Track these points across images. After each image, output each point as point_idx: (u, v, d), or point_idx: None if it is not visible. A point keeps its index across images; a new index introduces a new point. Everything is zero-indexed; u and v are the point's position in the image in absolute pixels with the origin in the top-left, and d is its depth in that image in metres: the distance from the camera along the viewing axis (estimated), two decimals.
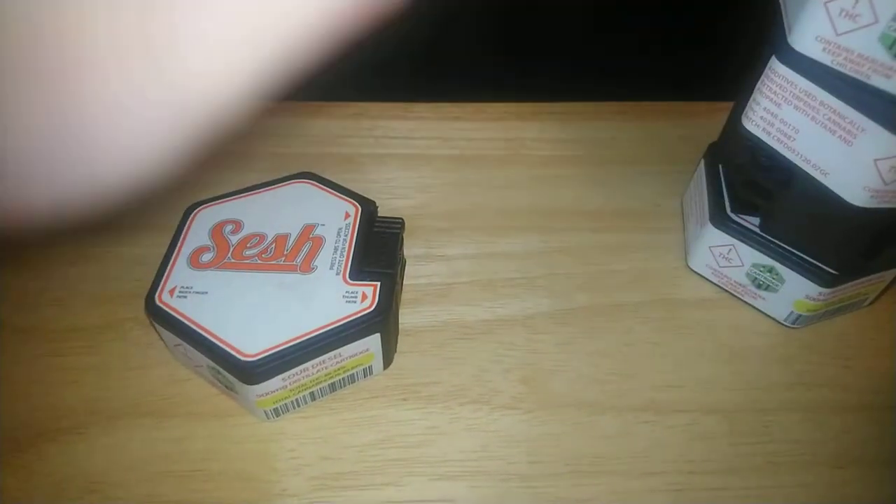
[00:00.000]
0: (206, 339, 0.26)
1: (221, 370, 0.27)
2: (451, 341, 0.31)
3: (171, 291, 0.28)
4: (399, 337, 0.31)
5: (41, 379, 0.29)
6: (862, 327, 0.32)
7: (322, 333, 0.26)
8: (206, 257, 0.29)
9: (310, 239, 0.30)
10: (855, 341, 0.32)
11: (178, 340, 0.27)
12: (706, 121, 0.35)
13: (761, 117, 0.28)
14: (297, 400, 0.28)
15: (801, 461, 0.28)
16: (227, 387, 0.28)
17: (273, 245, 0.29)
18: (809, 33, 0.25)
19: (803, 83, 0.25)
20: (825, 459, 0.28)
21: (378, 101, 0.41)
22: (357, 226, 0.30)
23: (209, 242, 0.29)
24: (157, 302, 0.27)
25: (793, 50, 0.25)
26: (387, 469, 0.27)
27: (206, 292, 0.28)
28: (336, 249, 0.29)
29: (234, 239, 0.30)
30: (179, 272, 0.28)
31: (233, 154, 0.38)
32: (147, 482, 0.26)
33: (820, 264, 0.30)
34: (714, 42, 0.41)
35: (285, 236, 0.30)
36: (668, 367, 0.31)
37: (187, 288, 0.28)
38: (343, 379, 0.29)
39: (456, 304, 0.32)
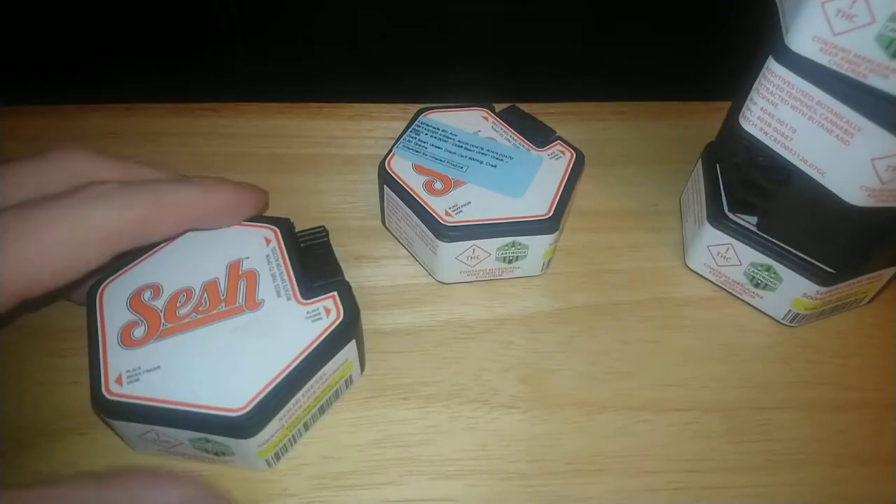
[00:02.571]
0: (183, 412, 0.24)
1: (210, 437, 0.24)
2: (450, 341, 0.31)
3: (118, 379, 0.24)
4: (399, 337, 0.31)
5: (43, 379, 0.29)
6: (860, 326, 0.33)
7: (303, 360, 0.25)
8: (139, 332, 0.26)
9: (241, 276, 0.28)
10: (853, 340, 0.32)
11: (148, 427, 0.25)
12: (704, 120, 0.36)
13: (759, 117, 0.28)
14: (293, 436, 0.27)
15: (800, 459, 0.28)
16: (218, 454, 0.25)
17: (205, 295, 0.27)
18: (806, 33, 0.25)
19: (800, 83, 0.26)
20: (824, 458, 0.28)
21: (378, 102, 0.41)
22: (283, 247, 0.29)
23: (133, 317, 0.26)
24: (109, 396, 0.24)
25: (790, 50, 0.25)
26: (386, 468, 0.27)
27: (158, 366, 0.25)
28: (274, 277, 0.28)
29: (160, 304, 0.27)
30: (116, 357, 0.25)
31: (232, 155, 0.38)
32: None
33: (818, 263, 0.30)
34: (712, 42, 0.41)
35: (214, 282, 0.27)
36: (667, 365, 0.31)
37: (135, 370, 0.25)
38: (329, 397, 0.28)
39: (455, 303, 0.32)
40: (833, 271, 0.29)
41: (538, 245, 0.31)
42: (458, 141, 0.34)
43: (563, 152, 0.33)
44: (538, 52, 0.42)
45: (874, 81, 0.24)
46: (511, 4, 0.40)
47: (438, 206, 0.31)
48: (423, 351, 0.31)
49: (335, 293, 0.27)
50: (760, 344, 0.32)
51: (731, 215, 0.31)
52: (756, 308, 0.33)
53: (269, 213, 0.30)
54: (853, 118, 0.25)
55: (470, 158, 0.33)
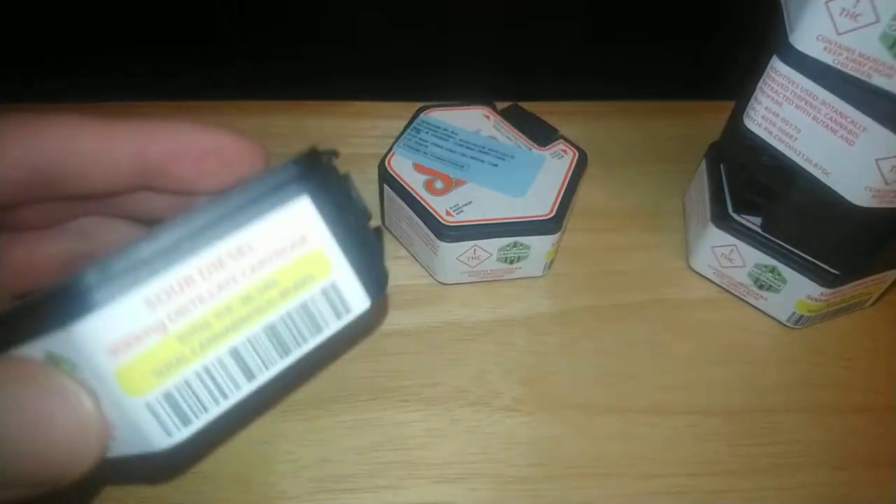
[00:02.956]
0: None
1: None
2: (451, 342, 0.31)
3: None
4: (399, 338, 0.31)
5: None
6: (864, 328, 0.32)
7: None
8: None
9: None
10: (857, 342, 0.32)
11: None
12: (707, 120, 0.35)
13: (763, 117, 0.28)
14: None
15: (803, 462, 0.28)
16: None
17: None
18: (811, 33, 0.24)
19: (805, 83, 0.25)
20: (828, 460, 0.28)
21: (378, 100, 0.41)
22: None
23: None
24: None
25: (794, 49, 0.25)
26: (386, 471, 0.27)
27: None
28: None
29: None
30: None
31: None
32: (146, 483, 0.26)
33: (822, 264, 0.29)
34: (715, 41, 0.41)
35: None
36: (670, 368, 0.30)
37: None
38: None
39: (456, 304, 0.32)
40: (837, 273, 0.29)
41: (540, 245, 0.31)
42: (459, 140, 0.33)
43: (565, 151, 0.33)
44: (539, 51, 0.41)
45: (878, 81, 0.24)
46: (512, 3, 0.40)
47: (439, 205, 0.30)
48: (424, 353, 0.30)
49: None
50: (764, 346, 0.32)
51: (735, 216, 0.31)
52: (760, 310, 0.32)
53: None
54: (858, 118, 0.24)
55: (471, 158, 0.33)
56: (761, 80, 0.27)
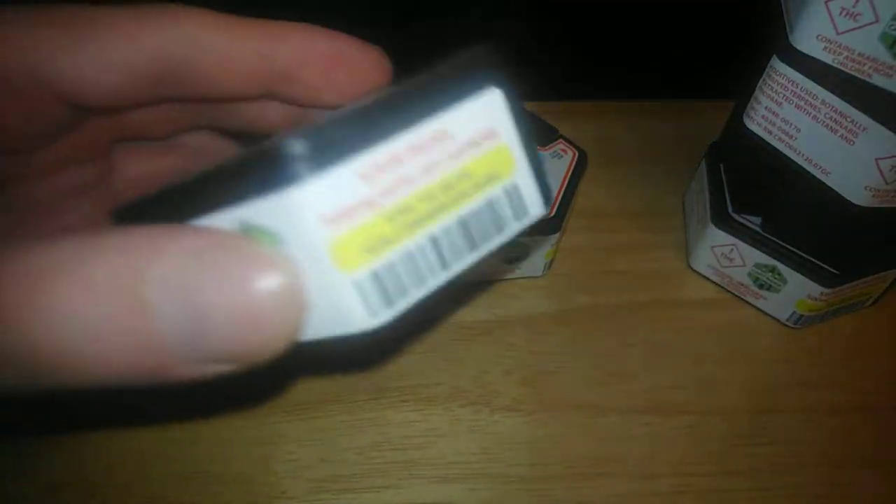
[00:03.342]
0: None
1: None
2: (451, 342, 0.31)
3: None
4: (399, 338, 0.31)
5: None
6: (864, 328, 0.32)
7: None
8: None
9: None
10: (857, 342, 0.32)
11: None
12: (707, 120, 0.35)
13: (763, 116, 0.28)
14: None
15: (804, 462, 0.28)
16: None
17: None
18: (810, 32, 0.24)
19: (804, 82, 0.25)
20: (827, 460, 0.28)
21: None
22: None
23: None
24: None
25: (794, 49, 0.25)
26: (386, 471, 0.27)
27: None
28: None
29: None
30: None
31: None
32: (147, 485, 0.26)
33: (822, 264, 0.29)
34: (715, 40, 0.40)
35: None
36: (670, 367, 0.30)
37: None
38: None
39: (456, 304, 0.32)
40: (837, 273, 0.29)
41: (540, 245, 0.31)
42: None
43: (564, 151, 0.33)
44: (540, 50, 0.41)
45: (878, 81, 0.24)
46: (512, 3, 0.40)
47: None
48: (424, 352, 0.30)
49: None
50: (764, 346, 0.32)
51: (735, 216, 0.31)
52: (760, 310, 0.32)
53: None
54: (858, 118, 0.24)
55: None
56: (761, 80, 0.27)
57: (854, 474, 0.28)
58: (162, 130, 0.23)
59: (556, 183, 0.31)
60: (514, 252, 0.31)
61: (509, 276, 0.32)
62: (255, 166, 0.14)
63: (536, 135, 0.33)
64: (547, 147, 0.33)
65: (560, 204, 0.31)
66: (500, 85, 0.16)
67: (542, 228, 0.30)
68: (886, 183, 0.25)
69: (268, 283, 0.13)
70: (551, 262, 0.33)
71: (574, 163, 0.33)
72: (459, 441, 0.28)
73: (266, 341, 0.14)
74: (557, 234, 0.31)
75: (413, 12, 0.40)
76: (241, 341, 0.14)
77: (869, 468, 0.28)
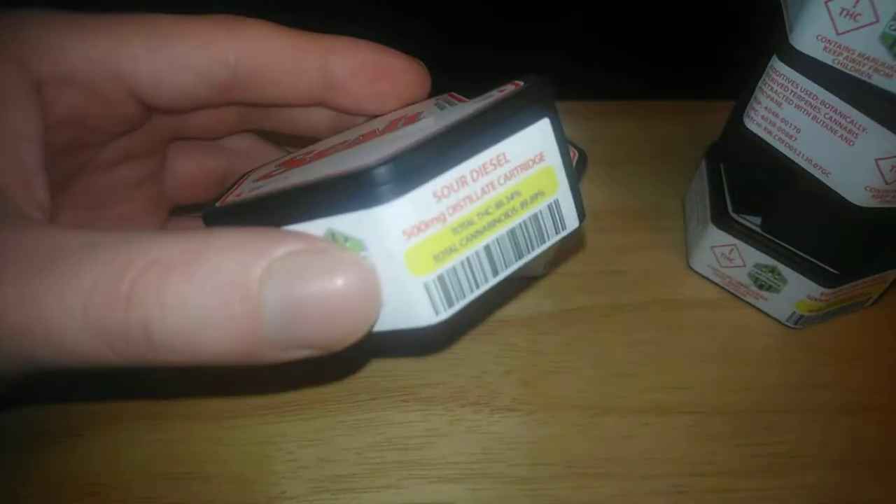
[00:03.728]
0: None
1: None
2: (451, 342, 0.31)
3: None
4: (399, 337, 0.31)
5: (41, 380, 0.29)
6: (864, 328, 0.32)
7: None
8: None
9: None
10: (858, 342, 0.32)
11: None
12: (707, 120, 0.35)
13: (762, 117, 0.28)
14: None
15: (804, 462, 0.28)
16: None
17: None
18: (810, 32, 0.24)
19: (804, 83, 0.25)
20: (828, 460, 0.28)
21: None
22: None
23: None
24: None
25: (794, 49, 0.25)
26: (386, 471, 0.27)
27: None
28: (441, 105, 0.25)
29: None
30: None
31: None
32: (146, 484, 0.26)
33: (822, 264, 0.29)
34: (715, 41, 0.41)
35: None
36: (670, 368, 0.30)
37: None
38: None
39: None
40: (837, 273, 0.29)
41: None
42: None
43: None
44: (540, 50, 0.41)
45: (878, 81, 0.24)
46: (513, 3, 0.40)
47: None
48: (424, 352, 0.30)
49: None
50: (764, 346, 0.32)
51: (735, 216, 0.31)
52: (760, 310, 0.32)
53: None
54: (858, 118, 0.24)
55: None
56: (761, 81, 0.27)
57: (855, 474, 0.28)
58: (216, 132, 0.25)
59: None
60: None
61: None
62: (346, 185, 0.16)
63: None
64: None
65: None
66: (549, 115, 0.19)
67: None
68: (886, 183, 0.25)
69: (354, 280, 0.16)
70: (551, 261, 0.33)
71: (574, 163, 0.32)
72: (459, 441, 0.28)
73: (348, 329, 0.16)
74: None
75: (421, 18, 0.40)
76: (329, 328, 0.16)
77: (870, 468, 0.28)
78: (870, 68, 0.23)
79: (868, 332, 0.32)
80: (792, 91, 0.26)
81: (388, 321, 0.18)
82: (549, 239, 0.20)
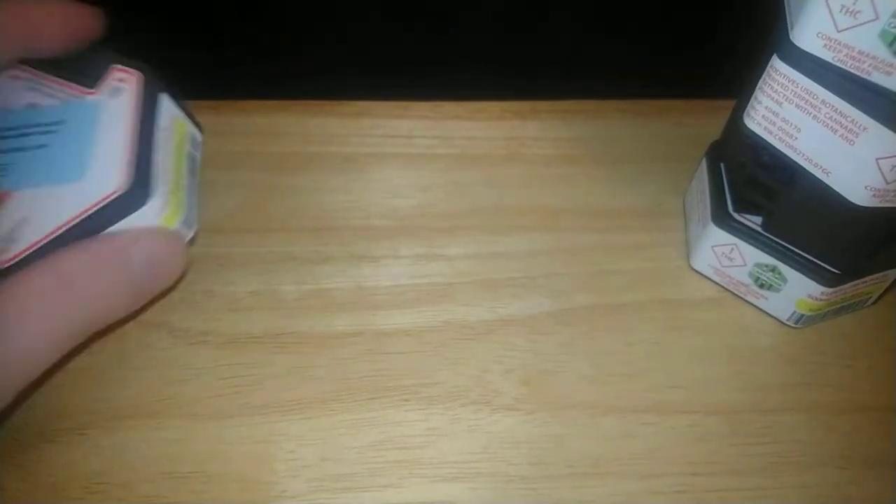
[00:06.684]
0: None
1: None
2: (451, 342, 0.31)
3: None
4: (400, 338, 0.31)
5: (41, 379, 0.29)
6: (865, 327, 0.32)
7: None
8: None
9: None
10: (858, 341, 0.32)
11: None
12: (708, 119, 0.35)
13: (763, 116, 0.28)
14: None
15: (804, 462, 0.28)
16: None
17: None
18: (810, 30, 0.24)
19: (804, 81, 0.25)
20: (828, 460, 0.28)
21: (379, 99, 0.41)
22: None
23: None
24: None
25: (794, 47, 0.25)
26: (387, 471, 0.27)
27: None
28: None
29: None
30: None
31: (230, 153, 0.38)
32: (147, 483, 0.26)
33: (822, 264, 0.29)
34: (716, 39, 0.40)
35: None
36: (671, 367, 0.30)
37: None
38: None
39: (457, 304, 0.32)
40: (838, 272, 0.29)
41: (145, 223, 0.23)
42: None
43: (122, 81, 0.24)
44: (540, 49, 0.41)
45: (878, 79, 0.24)
46: (513, 1, 0.40)
47: None
48: (425, 352, 0.30)
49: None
50: (765, 345, 0.32)
51: (735, 215, 0.31)
52: (761, 309, 0.32)
53: (270, 215, 0.30)
54: (858, 117, 0.24)
55: (12, 151, 0.23)
56: (761, 79, 0.27)
57: (855, 474, 0.28)
58: None
59: (122, 132, 0.23)
60: None
61: (510, 274, 0.32)
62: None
63: (87, 75, 0.25)
64: (100, 85, 0.25)
65: (139, 163, 0.23)
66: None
67: (128, 206, 0.23)
68: (887, 183, 0.25)
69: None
70: (187, 223, 0.26)
71: (141, 93, 0.24)
72: (460, 440, 0.28)
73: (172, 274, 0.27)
74: (157, 201, 0.23)
75: (422, 16, 0.40)
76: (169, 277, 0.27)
77: (870, 468, 0.28)
78: (869, 66, 0.23)
79: (868, 332, 0.32)
80: (792, 90, 0.26)
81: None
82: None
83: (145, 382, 0.29)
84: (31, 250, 0.22)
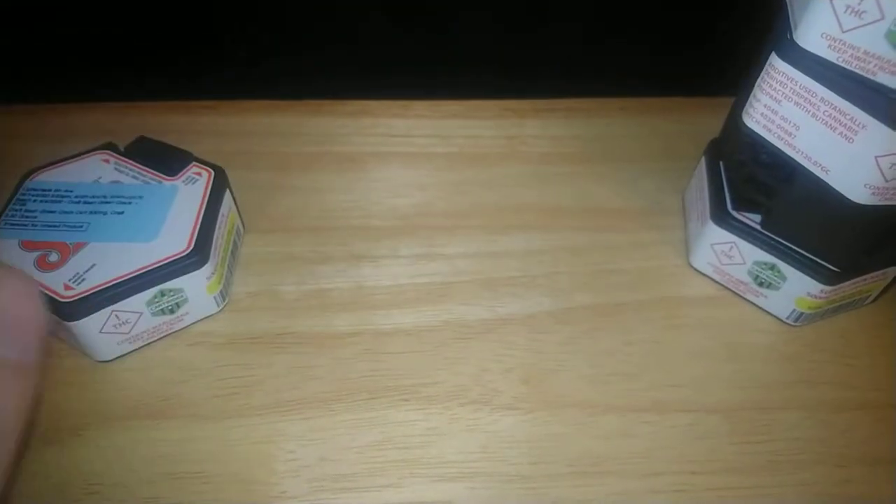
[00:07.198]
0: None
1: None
2: (451, 341, 0.31)
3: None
4: (400, 337, 0.31)
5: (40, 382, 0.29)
6: (864, 325, 0.32)
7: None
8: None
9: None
10: (857, 339, 0.32)
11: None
12: (707, 117, 0.35)
13: (762, 114, 0.27)
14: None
15: (804, 460, 0.28)
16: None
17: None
18: (815, 30, 0.24)
19: (804, 80, 0.25)
20: (827, 458, 0.28)
21: (379, 98, 0.41)
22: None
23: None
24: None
25: (795, 46, 0.25)
26: (386, 470, 0.27)
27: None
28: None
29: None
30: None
31: (230, 153, 0.38)
32: (147, 484, 0.26)
33: (821, 262, 0.29)
34: (715, 37, 0.40)
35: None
36: (670, 366, 0.30)
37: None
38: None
39: (456, 303, 0.32)
40: (837, 270, 0.29)
41: (195, 284, 0.29)
42: (76, 196, 0.30)
43: (199, 174, 0.31)
44: (540, 48, 0.41)
45: (883, 79, 0.23)
46: (513, 1, 0.40)
47: (54, 281, 0.27)
48: (424, 351, 0.30)
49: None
50: (764, 343, 0.32)
51: (734, 213, 0.31)
52: (760, 307, 0.32)
53: (270, 215, 0.30)
54: (857, 115, 0.24)
55: (91, 213, 0.29)
56: (760, 78, 0.27)
57: (854, 472, 0.28)
58: None
59: (193, 210, 0.29)
60: (168, 301, 0.29)
61: (180, 325, 0.30)
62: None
63: (168, 166, 0.31)
64: (179, 175, 0.31)
65: (199, 234, 0.29)
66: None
67: (185, 266, 0.28)
68: (886, 181, 0.25)
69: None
70: (225, 292, 0.31)
71: (210, 183, 0.31)
72: (460, 440, 0.28)
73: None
74: (209, 267, 0.29)
75: (422, 16, 0.40)
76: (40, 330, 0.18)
77: (869, 466, 0.28)
78: (875, 66, 0.23)
79: (867, 330, 0.32)
80: (791, 88, 0.26)
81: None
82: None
83: (144, 383, 0.29)
84: (94, 290, 0.27)
